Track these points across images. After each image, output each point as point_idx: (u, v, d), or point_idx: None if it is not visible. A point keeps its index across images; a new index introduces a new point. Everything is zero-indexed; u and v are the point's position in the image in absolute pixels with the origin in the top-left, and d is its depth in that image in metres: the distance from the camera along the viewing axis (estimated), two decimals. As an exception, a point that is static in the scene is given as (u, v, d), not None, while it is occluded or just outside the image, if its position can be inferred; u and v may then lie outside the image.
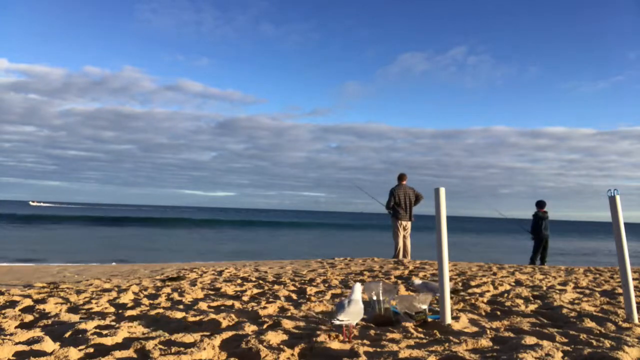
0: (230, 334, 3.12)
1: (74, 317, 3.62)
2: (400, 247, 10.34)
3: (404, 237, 10.41)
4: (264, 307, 4.08)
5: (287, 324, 3.46)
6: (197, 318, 3.62)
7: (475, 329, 3.43)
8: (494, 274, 7.33)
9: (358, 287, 3.25)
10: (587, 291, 5.53)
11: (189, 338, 2.96)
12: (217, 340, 2.94)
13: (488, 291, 5.30)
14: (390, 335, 3.15)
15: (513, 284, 6.05)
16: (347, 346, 2.86)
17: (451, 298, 3.92)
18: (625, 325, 3.56)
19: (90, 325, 3.27)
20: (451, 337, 3.04)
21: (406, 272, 7.25)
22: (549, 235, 11.78)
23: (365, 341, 3.01)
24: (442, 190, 3.62)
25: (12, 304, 4.21)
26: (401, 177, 10.58)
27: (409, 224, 10.47)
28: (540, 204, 11.86)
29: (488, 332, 3.28)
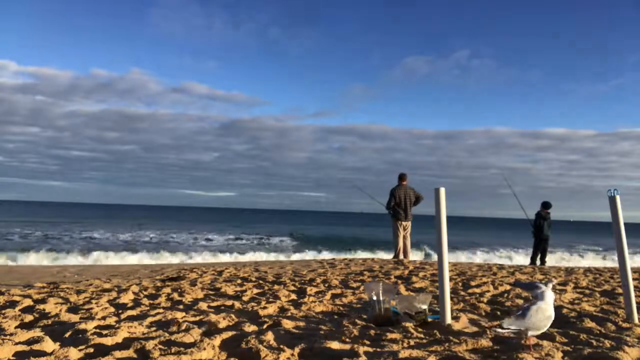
0: (230, 334, 3.12)
1: (74, 317, 3.62)
2: (400, 247, 10.34)
3: (404, 237, 10.41)
4: (264, 307, 4.08)
5: (287, 324, 3.46)
6: (197, 318, 3.62)
7: (475, 329, 3.43)
8: (494, 274, 7.33)
9: (550, 294, 2.86)
10: (587, 291, 5.53)
11: (189, 338, 2.96)
12: (217, 340, 2.94)
13: (488, 291, 5.30)
14: (390, 335, 3.15)
15: (513, 283, 6.05)
16: (347, 346, 2.86)
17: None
18: (625, 325, 3.56)
19: (90, 325, 3.27)
20: (451, 337, 3.04)
21: (406, 272, 7.25)
22: (549, 236, 11.76)
23: (365, 341, 3.01)
24: (442, 191, 3.62)
25: (12, 304, 4.20)
26: (401, 177, 10.57)
27: (408, 224, 10.47)
28: (545, 205, 11.86)
29: (488, 332, 3.28)
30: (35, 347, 2.74)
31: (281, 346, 2.81)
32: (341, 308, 4.26)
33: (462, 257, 20.16)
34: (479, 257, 20.78)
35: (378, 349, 2.81)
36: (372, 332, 3.25)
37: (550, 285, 3.01)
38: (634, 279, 5.51)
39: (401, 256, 10.28)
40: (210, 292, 5.09)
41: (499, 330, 2.72)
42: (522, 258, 20.06)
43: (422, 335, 3.18)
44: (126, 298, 4.61)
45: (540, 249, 11.71)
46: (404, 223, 10.37)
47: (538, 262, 11.70)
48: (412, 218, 10.51)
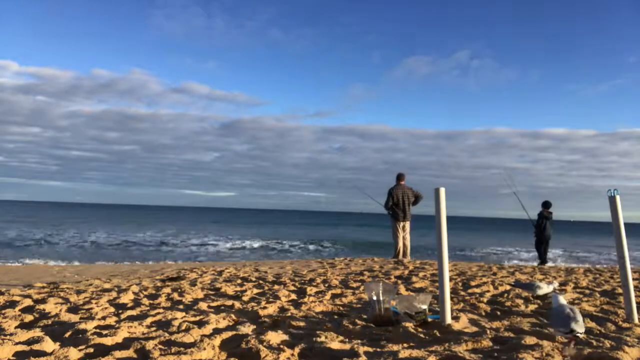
0: (230, 334, 3.12)
1: (74, 317, 3.62)
2: (400, 247, 10.32)
3: (404, 237, 10.38)
4: (264, 307, 4.08)
5: (287, 324, 3.46)
6: (197, 318, 3.62)
7: (475, 329, 3.43)
8: (494, 274, 7.33)
9: (561, 297, 3.00)
10: (587, 291, 5.53)
11: (189, 338, 2.96)
12: (217, 340, 2.94)
13: (488, 291, 5.30)
14: (390, 335, 3.15)
15: (513, 284, 6.05)
16: (347, 346, 2.86)
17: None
18: (625, 325, 3.56)
19: (90, 325, 3.27)
20: (451, 337, 3.04)
21: (406, 272, 7.25)
22: (551, 236, 11.66)
23: (365, 341, 3.01)
24: (442, 191, 3.62)
25: (12, 304, 4.20)
26: (399, 177, 10.51)
27: (407, 224, 10.43)
28: (546, 204, 11.73)
29: (488, 332, 3.28)
30: (35, 347, 2.74)
31: (281, 346, 2.81)
32: (341, 308, 4.26)
33: (463, 257, 20.10)
34: (487, 259, 20.44)
35: (378, 349, 2.81)
36: (372, 332, 3.25)
37: (551, 287, 3.02)
38: (634, 279, 5.51)
39: (401, 256, 10.26)
40: (210, 292, 5.09)
41: (579, 335, 2.73)
42: (528, 258, 20.01)
43: (422, 335, 3.18)
44: (126, 298, 4.61)
45: (541, 248, 11.64)
46: (402, 223, 10.32)
47: (537, 262, 11.68)
48: (411, 218, 10.45)
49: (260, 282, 5.95)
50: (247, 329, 3.29)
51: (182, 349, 2.72)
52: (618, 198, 3.80)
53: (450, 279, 6.00)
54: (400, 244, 10.31)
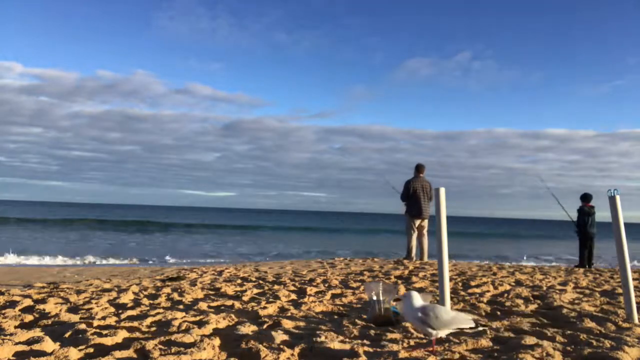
0: (230, 334, 3.13)
1: (74, 317, 3.62)
2: (413, 247, 9.27)
3: (420, 235, 9.39)
4: (264, 307, 4.08)
5: (287, 324, 3.47)
6: (197, 318, 3.62)
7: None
8: (494, 274, 7.33)
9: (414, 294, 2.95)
10: (587, 291, 5.53)
11: (189, 338, 2.96)
12: (217, 340, 2.94)
13: (488, 291, 5.30)
14: (390, 335, 3.15)
15: (513, 284, 6.05)
16: (347, 346, 2.86)
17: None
18: (625, 325, 3.57)
19: (90, 326, 3.27)
20: (451, 337, 3.04)
21: (406, 272, 7.25)
22: (595, 234, 10.23)
23: (365, 341, 3.01)
24: (442, 191, 3.62)
25: (12, 304, 4.21)
26: (419, 169, 9.41)
27: (425, 222, 9.33)
28: (586, 198, 10.22)
29: (488, 332, 3.28)
30: (35, 347, 2.74)
31: (281, 346, 2.81)
32: (341, 308, 4.26)
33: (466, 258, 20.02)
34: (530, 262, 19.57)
35: (378, 349, 2.81)
36: (372, 332, 3.25)
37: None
38: (634, 279, 5.51)
39: (414, 258, 9.27)
40: (210, 292, 5.09)
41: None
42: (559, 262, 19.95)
43: (422, 335, 3.18)
44: (126, 298, 4.61)
45: (587, 248, 10.17)
46: (417, 221, 9.23)
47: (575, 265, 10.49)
48: (429, 215, 9.26)
49: (260, 282, 5.95)
50: (247, 329, 3.29)
51: (182, 349, 2.72)
52: (618, 198, 3.81)
53: (450, 279, 6.00)
54: (414, 244, 9.31)
